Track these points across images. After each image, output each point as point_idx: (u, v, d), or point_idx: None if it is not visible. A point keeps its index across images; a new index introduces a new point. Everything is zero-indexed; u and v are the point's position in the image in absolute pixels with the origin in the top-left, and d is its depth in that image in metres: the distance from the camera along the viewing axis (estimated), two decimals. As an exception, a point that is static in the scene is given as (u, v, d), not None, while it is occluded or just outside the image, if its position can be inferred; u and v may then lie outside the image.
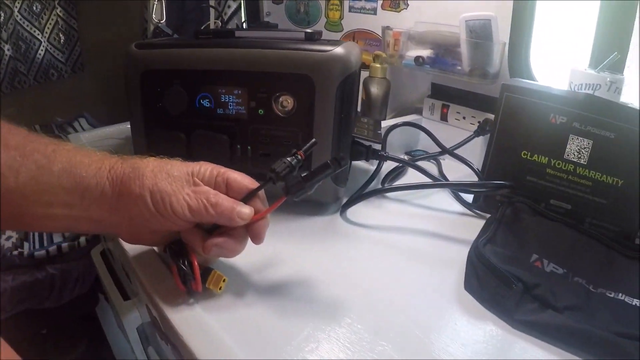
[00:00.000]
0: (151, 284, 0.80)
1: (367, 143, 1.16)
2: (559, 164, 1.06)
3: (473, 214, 1.18)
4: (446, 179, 1.36)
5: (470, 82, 1.44)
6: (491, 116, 1.41)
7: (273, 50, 1.00)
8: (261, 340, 0.73)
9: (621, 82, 1.13)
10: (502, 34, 1.37)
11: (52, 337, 2.02)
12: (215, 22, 1.98)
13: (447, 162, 1.48)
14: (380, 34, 1.76)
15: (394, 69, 1.68)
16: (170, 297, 0.77)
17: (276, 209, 0.76)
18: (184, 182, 0.73)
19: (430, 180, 1.19)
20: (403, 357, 0.71)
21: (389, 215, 1.15)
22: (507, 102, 1.10)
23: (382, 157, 1.20)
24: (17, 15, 1.96)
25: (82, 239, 1.87)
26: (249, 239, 0.79)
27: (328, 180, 1.01)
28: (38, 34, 2.06)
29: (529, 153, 1.09)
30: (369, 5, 1.80)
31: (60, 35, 2.14)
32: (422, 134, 1.49)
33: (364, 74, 1.61)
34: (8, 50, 1.97)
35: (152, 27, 1.86)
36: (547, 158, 1.07)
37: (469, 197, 1.22)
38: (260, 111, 1.03)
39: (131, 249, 0.87)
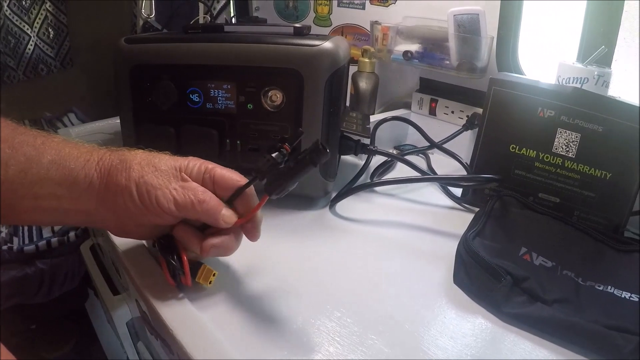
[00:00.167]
0: (141, 279, 0.80)
1: (356, 137, 1.16)
2: (547, 157, 1.06)
3: (462, 207, 1.19)
4: (435, 173, 1.36)
5: (458, 76, 1.44)
6: (479, 110, 1.41)
7: (262, 45, 1.01)
8: (250, 334, 0.73)
9: (609, 75, 1.14)
10: (490, 28, 1.37)
11: (41, 332, 2.01)
12: (204, 17, 1.98)
13: (436, 156, 1.49)
14: (368, 29, 1.76)
15: (382, 64, 1.68)
16: (160, 291, 0.76)
17: (265, 204, 0.76)
18: (171, 177, 0.73)
19: (419, 175, 1.19)
20: (392, 350, 0.71)
21: (378, 210, 1.16)
22: (495, 96, 1.10)
23: (371, 152, 1.20)
24: (6, 10, 1.94)
25: (72, 234, 1.86)
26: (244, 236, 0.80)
27: (317, 175, 1.02)
28: (27, 29, 2.05)
29: (517, 147, 1.09)
30: (357, 0, 1.80)
31: (50, 30, 2.13)
32: (411, 129, 1.49)
33: (353, 69, 1.61)
34: None
35: (141, 22, 1.86)
36: (535, 152, 1.07)
37: (457, 191, 1.23)
38: (249, 106, 1.03)
39: (121, 243, 0.87)
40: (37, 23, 2.09)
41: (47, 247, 1.81)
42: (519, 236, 0.96)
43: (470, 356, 0.71)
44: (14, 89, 2.09)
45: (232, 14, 2.21)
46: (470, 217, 1.06)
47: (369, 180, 1.27)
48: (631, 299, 0.83)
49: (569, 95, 1.03)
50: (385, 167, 1.35)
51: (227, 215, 0.75)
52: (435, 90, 1.60)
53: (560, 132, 1.04)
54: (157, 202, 0.71)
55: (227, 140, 1.05)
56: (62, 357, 2.00)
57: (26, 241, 1.81)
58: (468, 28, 1.37)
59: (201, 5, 1.97)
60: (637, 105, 0.98)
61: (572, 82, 1.15)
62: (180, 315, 0.72)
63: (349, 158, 1.35)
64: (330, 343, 0.71)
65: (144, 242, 0.88)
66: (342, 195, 1.13)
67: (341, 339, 0.72)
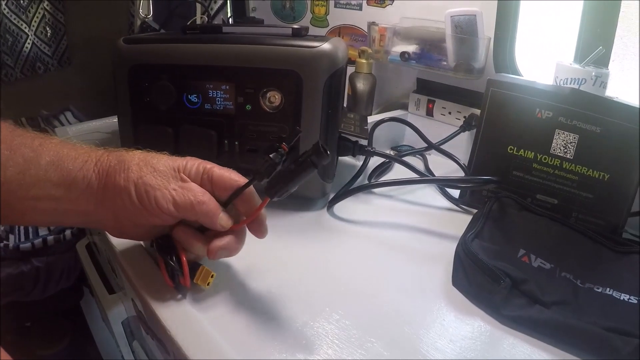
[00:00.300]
0: (138, 279, 0.79)
1: (353, 138, 1.16)
2: (545, 158, 1.06)
3: (459, 209, 1.18)
4: (432, 174, 1.36)
5: (455, 77, 1.44)
6: (477, 111, 1.42)
7: (261, 46, 1.01)
8: (249, 335, 0.73)
9: (606, 76, 1.13)
10: (486, 29, 1.37)
11: (36, 329, 2.02)
12: (201, 18, 1.98)
13: (433, 157, 1.48)
14: (365, 30, 1.75)
15: (379, 65, 1.68)
16: (158, 292, 0.76)
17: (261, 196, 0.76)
18: (170, 177, 0.73)
19: (417, 176, 1.19)
20: (391, 353, 0.71)
21: (376, 211, 1.15)
22: (493, 97, 1.10)
23: (368, 153, 1.20)
24: (4, 9, 1.95)
25: (68, 232, 1.85)
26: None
27: (315, 176, 1.01)
28: (25, 27, 2.05)
29: (515, 148, 1.09)
30: (354, 1, 1.80)
31: (47, 28, 2.13)
32: (408, 129, 1.50)
33: (350, 70, 1.61)
34: None
35: (138, 22, 1.85)
36: (533, 153, 1.07)
37: (455, 192, 1.23)
38: (248, 107, 1.03)
39: (118, 243, 0.87)
40: (35, 21, 2.09)
41: (43, 244, 1.81)
42: (517, 238, 0.96)
43: (469, 359, 0.71)
44: (11, 87, 2.09)
45: (229, 15, 2.21)
46: (468, 218, 1.05)
47: (366, 182, 1.27)
48: (630, 300, 0.83)
49: (567, 96, 1.03)
50: (383, 169, 1.35)
51: (224, 219, 0.75)
52: (432, 91, 1.60)
53: (558, 133, 1.04)
54: (156, 202, 0.71)
55: (226, 141, 1.05)
56: (57, 354, 2.00)
57: (22, 239, 1.81)
58: (465, 29, 1.37)
59: (198, 6, 1.96)
60: (635, 105, 0.98)
61: (570, 83, 1.15)
62: (179, 317, 0.72)
63: (346, 159, 1.35)
64: (329, 346, 0.71)
65: (141, 242, 0.87)
66: (340, 196, 1.13)
67: (340, 341, 0.72)
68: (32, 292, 1.85)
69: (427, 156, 1.49)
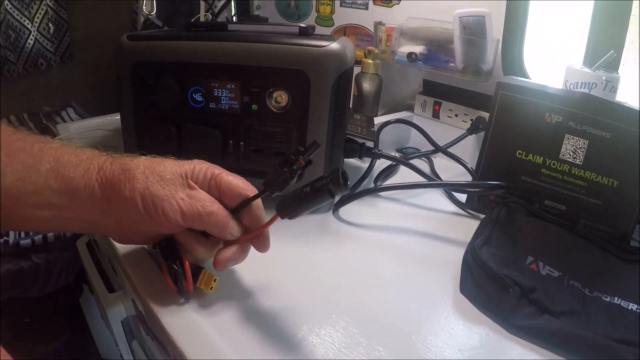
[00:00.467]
0: (140, 282, 0.78)
1: (360, 140, 1.15)
2: (554, 164, 1.05)
3: (466, 213, 1.17)
4: (439, 178, 1.34)
5: (463, 79, 1.42)
6: (484, 114, 1.41)
7: (268, 44, 0.99)
8: (252, 341, 0.71)
9: (617, 80, 1.12)
10: (494, 30, 1.36)
11: (35, 326, 2.01)
12: (205, 15, 1.97)
13: (439, 160, 1.47)
14: (371, 29, 1.74)
15: (384, 65, 1.67)
16: (160, 296, 0.75)
17: (268, 206, 0.75)
18: (177, 185, 0.71)
19: (425, 180, 1.18)
20: (400, 363, 0.70)
21: (382, 215, 1.14)
22: (502, 101, 1.09)
23: (375, 155, 1.19)
24: (7, 4, 1.96)
25: (68, 229, 1.86)
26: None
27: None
28: (28, 23, 2.06)
29: (524, 152, 1.08)
30: (360, 0, 1.78)
31: (50, 25, 2.14)
32: (413, 131, 1.48)
33: (355, 70, 1.59)
34: None
35: (142, 19, 1.85)
36: (542, 158, 1.06)
37: (462, 197, 1.21)
38: (254, 106, 1.01)
39: (121, 245, 0.86)
40: (38, 18, 2.10)
41: (43, 241, 1.82)
42: (525, 244, 0.95)
43: (478, 369, 0.70)
44: (13, 83, 2.10)
45: (232, 13, 2.20)
46: (474, 223, 1.04)
47: (372, 185, 1.26)
48: (638, 311, 0.82)
49: (577, 100, 1.02)
50: (389, 172, 1.34)
51: (235, 230, 0.74)
52: (438, 93, 1.59)
53: (568, 139, 1.02)
54: (164, 213, 0.69)
55: (230, 141, 1.04)
56: (55, 351, 2.00)
57: (22, 235, 1.81)
58: (474, 30, 1.35)
59: (202, 3, 1.96)
60: (645, 111, 0.97)
61: (580, 87, 1.13)
62: (181, 322, 0.71)
63: (351, 160, 1.33)
64: (335, 354, 0.70)
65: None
66: (346, 200, 1.12)
67: (347, 349, 0.71)
68: (32, 288, 1.85)
69: (433, 159, 1.47)
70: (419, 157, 1.50)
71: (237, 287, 0.83)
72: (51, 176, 0.68)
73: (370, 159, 1.26)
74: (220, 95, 1.02)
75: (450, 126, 1.53)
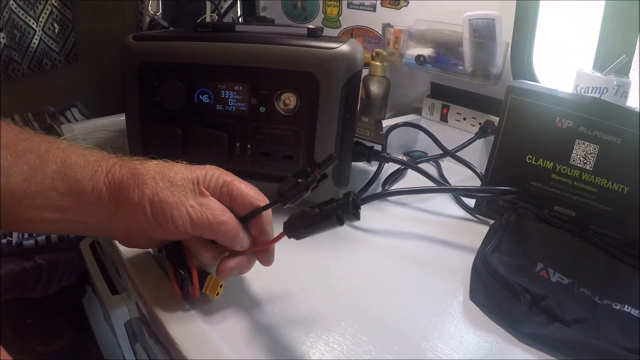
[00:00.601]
0: (145, 288, 0.78)
1: (369, 144, 1.14)
2: (564, 169, 1.04)
3: (475, 218, 1.16)
4: (447, 182, 1.34)
5: (472, 82, 1.41)
6: (493, 117, 1.40)
7: (276, 46, 0.98)
8: (260, 350, 0.71)
9: (628, 85, 1.12)
10: (504, 33, 1.35)
11: (37, 326, 2.01)
12: (211, 16, 1.96)
13: (447, 164, 1.46)
14: (379, 31, 1.74)
15: (392, 68, 1.66)
16: (166, 302, 0.74)
17: (275, 210, 0.74)
18: (188, 192, 0.70)
19: (435, 185, 1.18)
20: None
21: (390, 219, 1.13)
22: (513, 105, 1.08)
23: (384, 159, 1.18)
24: (12, 4, 1.97)
25: (72, 230, 1.85)
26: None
27: (329, 182, 0.99)
28: (33, 23, 2.07)
29: (534, 157, 1.07)
30: (368, 2, 1.77)
31: (55, 25, 2.15)
32: (421, 134, 1.48)
33: (363, 72, 1.59)
34: (2, 38, 1.98)
35: (147, 19, 1.84)
36: (552, 163, 1.05)
37: (470, 202, 1.21)
38: (262, 109, 1.00)
39: (125, 249, 0.84)
40: (43, 17, 2.11)
41: (46, 242, 1.82)
42: (535, 251, 0.94)
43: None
44: (18, 83, 2.11)
45: (239, 13, 2.19)
46: (483, 228, 1.04)
47: (381, 189, 1.25)
48: (648, 319, 0.82)
49: (588, 105, 1.01)
50: (397, 175, 1.33)
51: (244, 241, 0.73)
52: (447, 96, 1.58)
53: (579, 144, 1.01)
54: (173, 220, 0.68)
55: (237, 144, 1.03)
56: (57, 351, 2.00)
57: (25, 235, 1.81)
58: (483, 33, 1.34)
59: (208, 4, 1.95)
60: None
61: (591, 92, 1.13)
62: (187, 328, 0.70)
63: (359, 164, 1.33)
64: (344, 362, 0.69)
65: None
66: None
67: (356, 358, 0.70)
68: (34, 289, 1.85)
69: (441, 163, 1.46)
70: (428, 161, 1.49)
71: (243, 293, 0.82)
72: (58, 177, 0.67)
73: (379, 162, 1.25)
74: (227, 97, 1.01)
75: (458, 130, 1.52)
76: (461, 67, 1.42)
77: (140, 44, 1.04)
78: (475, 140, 1.42)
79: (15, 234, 1.80)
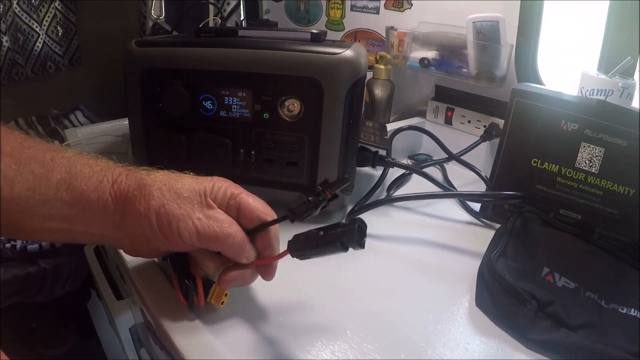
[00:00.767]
0: (151, 297, 0.78)
1: (373, 149, 1.14)
2: (569, 172, 1.03)
3: (480, 223, 1.16)
4: (452, 186, 1.33)
5: (477, 85, 1.41)
6: (497, 120, 1.40)
7: (280, 51, 0.97)
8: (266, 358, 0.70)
9: (633, 87, 1.11)
10: (507, 36, 1.34)
11: (42, 331, 2.01)
12: (214, 19, 1.96)
13: (452, 167, 1.46)
14: (382, 34, 1.73)
15: (396, 71, 1.65)
16: (171, 311, 0.74)
17: (279, 216, 0.73)
18: (194, 204, 0.70)
19: (440, 190, 1.17)
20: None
21: (395, 224, 1.13)
22: (517, 108, 1.07)
23: (389, 164, 1.17)
24: (15, 8, 1.97)
25: (76, 235, 1.85)
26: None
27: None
28: (36, 27, 2.08)
29: (539, 161, 1.06)
30: (371, 4, 1.77)
31: (59, 28, 2.16)
32: (425, 137, 1.47)
33: (367, 76, 1.58)
34: (6, 41, 1.98)
35: (150, 23, 1.84)
36: (557, 166, 1.05)
37: (476, 206, 1.20)
38: (265, 115, 1.00)
39: (130, 257, 0.84)
40: (46, 21, 2.11)
41: (50, 246, 1.82)
42: (541, 255, 0.94)
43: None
44: (21, 85, 2.11)
45: (242, 17, 2.19)
46: (489, 233, 1.03)
47: (385, 194, 1.25)
48: (654, 323, 0.81)
49: (594, 108, 1.00)
50: (402, 180, 1.32)
51: (251, 254, 0.73)
52: (451, 99, 1.57)
53: (584, 147, 1.01)
54: (179, 233, 0.68)
55: (241, 150, 1.02)
56: (62, 355, 2.00)
57: (30, 240, 1.80)
58: (487, 35, 1.34)
59: (211, 7, 1.95)
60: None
61: (596, 94, 1.12)
62: (192, 337, 0.70)
63: (363, 169, 1.32)
64: (350, 372, 0.69)
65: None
66: (359, 210, 1.11)
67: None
68: (39, 294, 1.85)
69: (446, 166, 1.46)
70: (433, 164, 1.49)
71: (248, 302, 0.82)
72: (62, 187, 0.66)
73: (384, 167, 1.25)
74: (231, 103, 1.00)
75: (463, 132, 1.52)
76: (465, 70, 1.42)
77: (142, 49, 1.04)
78: (480, 143, 1.41)
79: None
